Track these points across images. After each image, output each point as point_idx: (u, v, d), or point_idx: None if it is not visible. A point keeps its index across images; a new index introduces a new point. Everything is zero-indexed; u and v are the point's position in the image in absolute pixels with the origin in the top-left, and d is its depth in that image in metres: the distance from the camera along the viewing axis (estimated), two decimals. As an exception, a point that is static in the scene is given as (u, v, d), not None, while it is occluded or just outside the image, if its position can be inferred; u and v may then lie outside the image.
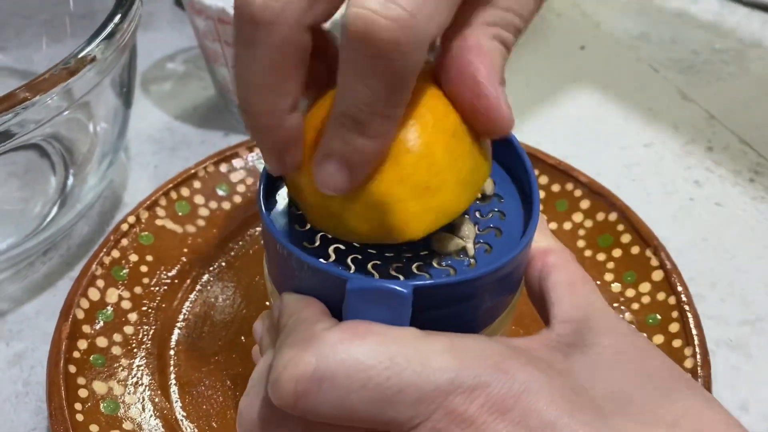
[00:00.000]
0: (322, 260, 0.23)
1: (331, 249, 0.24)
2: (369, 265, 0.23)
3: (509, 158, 0.27)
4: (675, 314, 0.33)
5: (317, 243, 0.24)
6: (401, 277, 0.23)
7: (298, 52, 0.19)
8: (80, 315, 0.32)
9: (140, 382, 0.31)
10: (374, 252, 0.24)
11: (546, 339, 0.22)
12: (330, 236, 0.24)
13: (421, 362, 0.19)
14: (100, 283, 0.34)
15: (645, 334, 0.33)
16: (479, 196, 0.26)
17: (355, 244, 0.24)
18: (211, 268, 0.37)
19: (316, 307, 0.22)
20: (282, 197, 0.26)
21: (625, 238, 0.36)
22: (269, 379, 0.20)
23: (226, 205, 0.39)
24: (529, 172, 0.25)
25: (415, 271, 0.23)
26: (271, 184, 0.26)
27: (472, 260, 0.24)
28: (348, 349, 0.19)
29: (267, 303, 0.35)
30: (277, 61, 0.19)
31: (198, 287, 0.36)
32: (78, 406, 0.29)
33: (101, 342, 0.32)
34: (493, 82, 0.20)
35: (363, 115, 0.18)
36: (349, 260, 0.23)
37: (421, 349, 0.19)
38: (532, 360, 0.20)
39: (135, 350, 0.33)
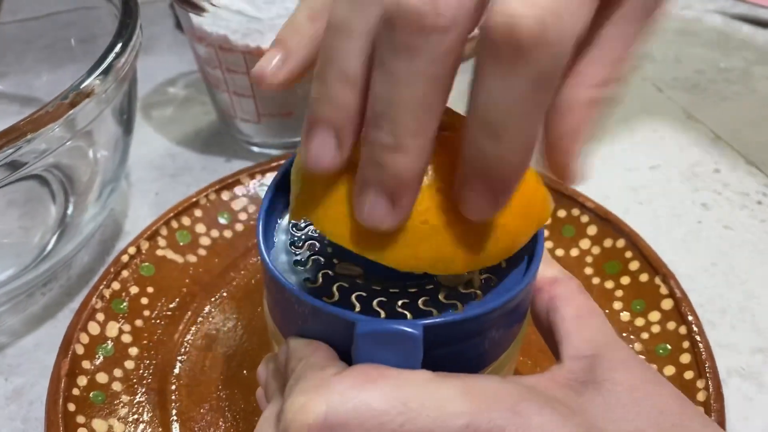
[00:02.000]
0: (326, 300, 0.23)
1: (335, 287, 0.23)
2: (374, 303, 0.23)
3: None
4: (686, 344, 0.32)
5: (320, 281, 0.23)
6: (408, 314, 0.22)
7: (457, 66, 0.17)
8: (80, 350, 0.32)
9: (141, 419, 0.31)
10: (378, 288, 0.23)
11: (557, 376, 0.21)
12: (332, 274, 0.24)
13: (436, 407, 0.18)
14: (100, 316, 0.33)
15: (655, 366, 0.32)
16: None
17: (357, 281, 0.23)
18: (212, 299, 0.36)
19: (324, 352, 0.21)
20: (280, 235, 0.25)
21: (634, 266, 0.36)
22: (279, 428, 0.19)
23: (228, 234, 0.39)
24: None
25: (421, 306, 0.23)
26: (269, 220, 0.25)
27: (478, 292, 0.23)
28: (360, 396, 0.18)
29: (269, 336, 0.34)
30: (440, 74, 0.17)
31: (199, 319, 0.35)
32: (77, 445, 0.29)
33: (101, 378, 0.32)
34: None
35: (504, 118, 0.16)
36: (353, 298, 0.23)
37: (434, 394, 0.18)
38: (548, 401, 0.19)
39: (136, 386, 0.32)
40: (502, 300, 0.21)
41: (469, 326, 0.21)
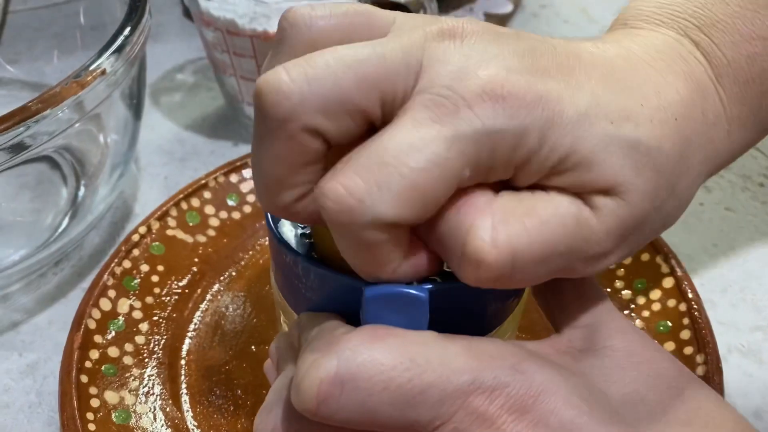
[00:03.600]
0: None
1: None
2: None
3: None
4: (686, 321, 0.33)
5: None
6: (414, 282, 0.23)
7: (306, 154, 0.19)
8: (92, 325, 0.32)
9: (151, 392, 0.32)
10: None
11: (557, 344, 0.22)
12: None
13: (441, 363, 0.19)
14: (112, 293, 0.34)
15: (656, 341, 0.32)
16: None
17: None
18: (221, 278, 0.37)
19: (335, 318, 0.22)
20: None
21: (635, 245, 0.36)
22: (292, 385, 0.20)
23: (236, 215, 0.40)
24: None
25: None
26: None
27: None
28: (369, 352, 0.19)
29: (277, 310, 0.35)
30: (282, 157, 0.19)
31: (209, 297, 0.36)
32: (90, 416, 0.29)
33: (113, 352, 0.32)
34: None
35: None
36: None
37: (440, 351, 0.19)
38: (548, 362, 0.20)
39: (146, 360, 0.33)
40: None
41: (471, 292, 0.22)
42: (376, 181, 0.17)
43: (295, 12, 0.20)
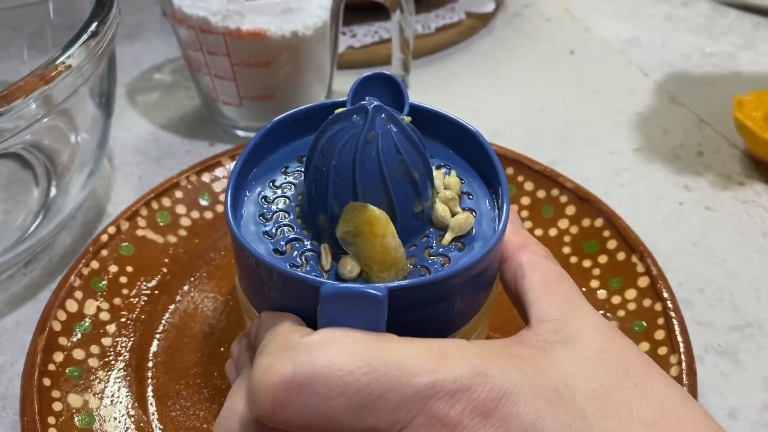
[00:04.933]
0: (294, 268, 0.23)
1: (303, 257, 0.23)
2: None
3: (477, 156, 0.26)
4: (661, 321, 0.32)
5: (288, 251, 0.24)
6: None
7: None
8: (57, 327, 0.32)
9: (117, 395, 0.31)
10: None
11: (526, 338, 0.22)
12: (302, 243, 0.24)
13: (400, 367, 0.18)
14: (78, 294, 0.33)
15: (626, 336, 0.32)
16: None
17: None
18: (191, 279, 0.37)
19: (291, 320, 0.21)
20: (249, 206, 0.25)
21: (611, 245, 0.36)
22: (247, 390, 0.19)
23: (209, 215, 0.39)
24: (497, 167, 0.25)
25: None
26: (238, 192, 0.25)
27: (444, 259, 0.23)
28: (326, 356, 0.18)
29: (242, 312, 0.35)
30: None
31: (178, 298, 0.36)
32: (51, 419, 0.29)
33: (78, 354, 0.32)
34: None
35: None
36: (319, 267, 0.23)
37: (399, 354, 0.19)
38: (513, 361, 0.20)
39: (112, 362, 0.32)
40: (468, 263, 0.21)
41: (435, 289, 0.21)
42: None
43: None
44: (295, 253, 0.23)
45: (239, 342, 0.25)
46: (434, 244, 0.24)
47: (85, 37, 0.33)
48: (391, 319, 0.20)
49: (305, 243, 0.24)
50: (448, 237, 0.24)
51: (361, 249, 0.22)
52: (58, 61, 0.32)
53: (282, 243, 0.24)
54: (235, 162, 0.40)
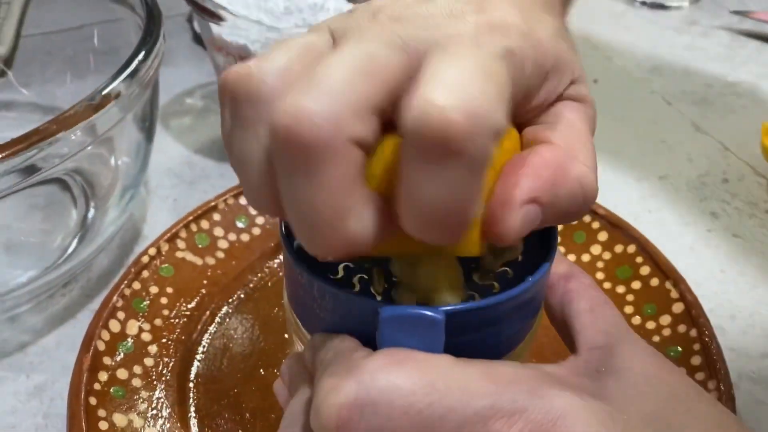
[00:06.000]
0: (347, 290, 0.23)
1: (355, 279, 0.24)
2: (393, 293, 0.23)
3: None
4: (697, 346, 0.33)
5: (340, 274, 0.24)
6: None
7: (358, 166, 0.17)
8: (101, 347, 0.32)
9: (160, 415, 0.31)
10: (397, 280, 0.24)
11: (574, 366, 0.22)
12: (352, 266, 0.24)
13: (461, 388, 0.19)
14: (121, 315, 0.34)
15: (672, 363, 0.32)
16: None
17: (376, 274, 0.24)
18: (230, 300, 0.37)
19: (351, 341, 0.22)
20: None
21: (644, 270, 0.36)
22: (311, 409, 0.20)
23: (245, 237, 0.40)
24: None
25: None
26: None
27: (495, 284, 0.24)
28: (388, 376, 0.19)
29: (285, 336, 0.35)
30: (336, 181, 0.17)
31: (217, 319, 0.36)
32: (98, 438, 0.29)
33: (122, 374, 0.32)
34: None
35: (442, 210, 0.17)
36: (372, 290, 0.24)
37: (459, 376, 0.19)
38: (567, 385, 0.20)
39: (155, 382, 0.33)
40: (518, 290, 0.22)
41: (488, 314, 0.22)
42: (479, 90, 0.16)
43: (237, 83, 0.18)
44: (348, 275, 0.24)
45: (290, 363, 0.26)
46: (485, 269, 0.24)
47: (133, 66, 0.34)
48: (446, 340, 0.21)
49: (357, 266, 0.24)
50: (498, 263, 0.24)
51: (422, 271, 0.22)
52: (106, 91, 0.33)
53: (333, 265, 0.24)
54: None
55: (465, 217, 0.17)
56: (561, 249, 0.39)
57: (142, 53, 0.35)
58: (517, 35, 0.19)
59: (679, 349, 0.33)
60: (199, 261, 0.38)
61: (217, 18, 0.41)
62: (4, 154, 0.30)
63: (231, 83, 0.19)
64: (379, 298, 0.23)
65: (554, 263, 0.25)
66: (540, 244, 0.26)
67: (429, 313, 0.20)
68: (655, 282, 0.36)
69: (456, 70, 0.16)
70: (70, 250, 0.40)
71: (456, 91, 0.16)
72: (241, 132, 0.19)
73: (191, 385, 0.33)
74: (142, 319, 0.35)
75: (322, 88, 0.17)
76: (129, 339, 0.34)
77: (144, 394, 0.32)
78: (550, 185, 0.20)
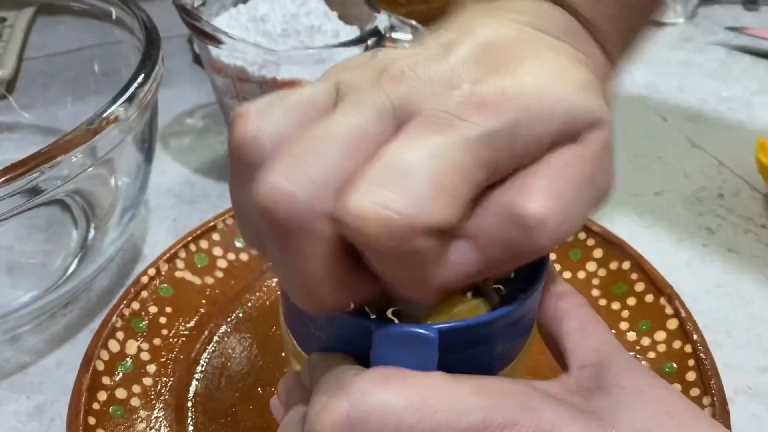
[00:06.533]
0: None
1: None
2: (389, 312, 0.24)
3: None
4: (691, 362, 0.33)
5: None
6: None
7: (336, 238, 0.18)
8: (100, 366, 0.33)
9: (158, 434, 0.32)
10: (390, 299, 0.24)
11: (566, 383, 0.22)
12: None
13: (451, 403, 0.19)
14: (120, 334, 0.34)
15: (663, 379, 0.33)
16: None
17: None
18: (228, 320, 0.37)
19: (346, 360, 0.22)
20: None
21: (639, 287, 0.37)
22: (304, 427, 0.20)
23: (244, 257, 0.40)
24: None
25: None
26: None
27: (501, 287, 0.24)
28: (380, 393, 0.19)
29: (283, 354, 0.35)
30: (316, 252, 0.18)
31: (216, 338, 0.36)
32: (97, 458, 0.29)
33: (120, 393, 0.32)
34: None
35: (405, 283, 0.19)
36: (367, 309, 0.24)
37: (450, 392, 0.19)
38: (558, 400, 0.20)
39: (154, 402, 0.33)
40: (510, 308, 0.22)
41: (480, 332, 0.22)
42: (409, 190, 0.17)
43: (243, 139, 0.19)
44: None
45: (287, 381, 0.26)
46: (476, 287, 0.25)
47: (132, 89, 0.35)
48: (439, 358, 0.21)
49: None
50: (490, 282, 0.25)
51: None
52: (105, 114, 0.34)
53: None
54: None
55: (429, 284, 0.19)
56: (557, 266, 0.39)
57: (141, 77, 0.36)
58: (514, 110, 0.19)
59: (674, 365, 0.33)
60: (198, 280, 0.38)
61: (216, 41, 0.41)
62: (6, 177, 0.30)
63: (232, 141, 0.20)
64: (373, 316, 0.24)
65: (547, 281, 0.25)
66: (533, 265, 0.26)
67: (422, 331, 0.20)
68: (649, 298, 0.36)
69: (403, 161, 0.18)
70: (70, 271, 0.40)
71: (374, 196, 0.17)
72: (237, 186, 0.21)
73: (190, 404, 0.33)
74: (141, 339, 0.35)
75: (305, 167, 0.18)
76: (128, 359, 0.34)
77: (143, 413, 0.32)
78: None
